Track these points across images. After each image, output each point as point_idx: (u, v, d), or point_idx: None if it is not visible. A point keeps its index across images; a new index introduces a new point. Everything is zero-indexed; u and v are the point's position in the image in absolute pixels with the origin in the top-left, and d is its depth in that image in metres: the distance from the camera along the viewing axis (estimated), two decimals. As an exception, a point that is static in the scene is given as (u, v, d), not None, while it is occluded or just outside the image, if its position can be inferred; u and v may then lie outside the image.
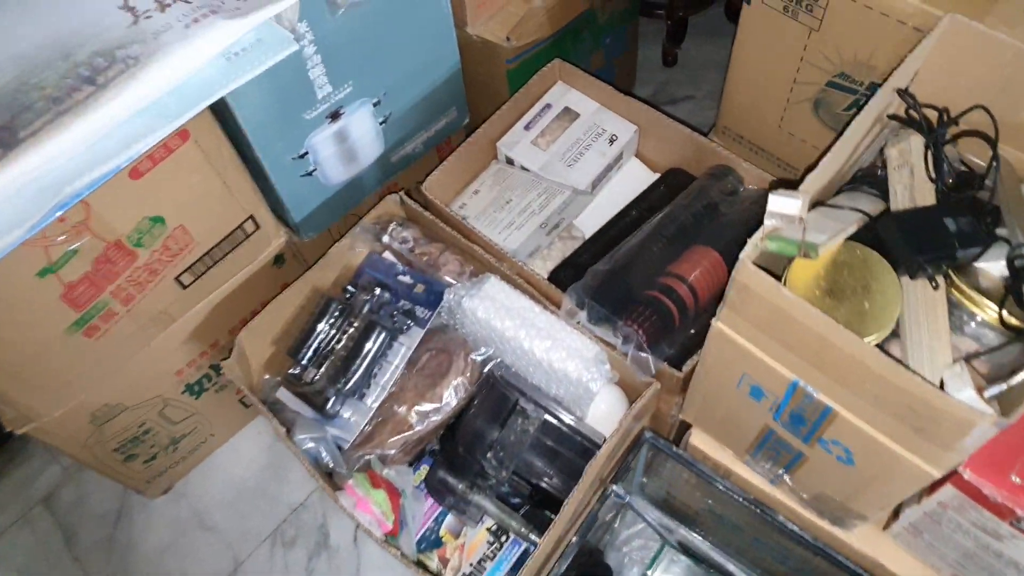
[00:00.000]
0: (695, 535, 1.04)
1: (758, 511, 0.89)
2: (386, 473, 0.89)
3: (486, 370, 0.93)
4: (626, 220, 1.05)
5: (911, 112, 0.72)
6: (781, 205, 0.59)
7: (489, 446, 0.89)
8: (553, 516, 0.89)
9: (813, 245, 0.60)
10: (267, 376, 1.06)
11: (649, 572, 1.08)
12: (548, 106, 1.13)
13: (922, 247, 0.63)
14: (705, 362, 0.78)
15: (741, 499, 0.90)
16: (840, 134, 0.66)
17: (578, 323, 0.92)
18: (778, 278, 0.65)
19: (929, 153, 0.70)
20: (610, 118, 1.12)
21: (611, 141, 1.09)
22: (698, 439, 0.92)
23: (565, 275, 0.99)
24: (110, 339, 0.95)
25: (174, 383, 1.12)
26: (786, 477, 0.83)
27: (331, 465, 0.92)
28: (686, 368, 0.88)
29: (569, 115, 1.12)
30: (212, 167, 0.90)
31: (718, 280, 0.93)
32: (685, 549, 1.10)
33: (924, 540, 0.78)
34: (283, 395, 1.02)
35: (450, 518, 0.94)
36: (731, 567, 1.03)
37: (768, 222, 0.61)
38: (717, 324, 0.71)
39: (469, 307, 0.94)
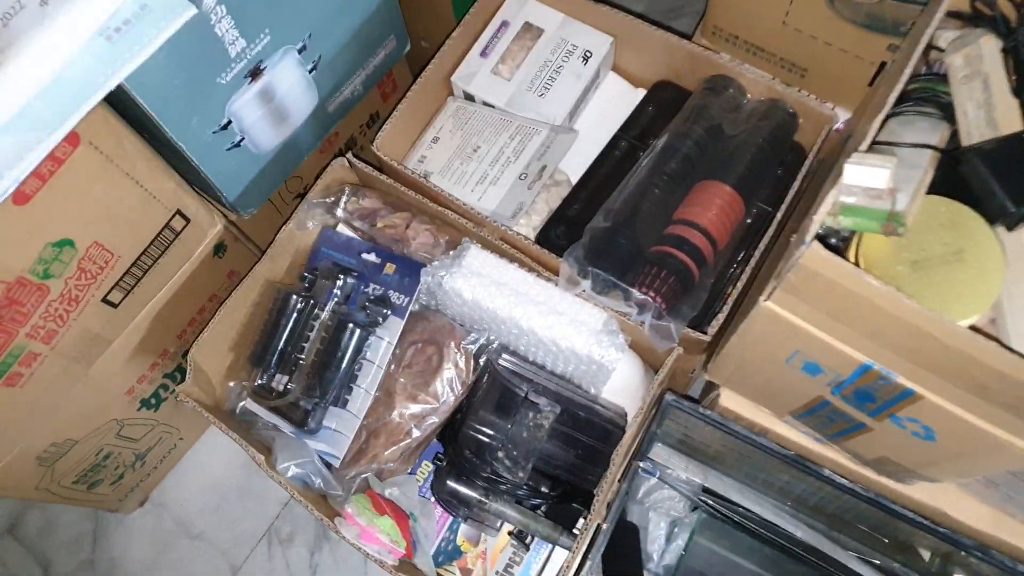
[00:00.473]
0: (725, 477, 0.96)
1: (803, 468, 0.81)
2: (389, 493, 0.79)
3: (483, 359, 0.81)
4: (616, 154, 0.91)
5: (981, 5, 0.58)
6: (865, 176, 0.46)
7: (500, 446, 0.78)
8: (579, 508, 0.80)
9: (901, 218, 0.47)
10: (231, 384, 0.93)
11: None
12: (505, 24, 0.96)
13: (1022, 190, 0.51)
14: (746, 337, 0.66)
15: (783, 457, 0.81)
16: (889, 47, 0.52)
17: (582, 293, 0.79)
18: (837, 251, 0.53)
19: (1009, 59, 0.56)
20: (580, 30, 0.95)
21: (584, 59, 0.93)
22: (729, 400, 0.83)
23: (556, 234, 0.86)
24: (38, 382, 0.81)
25: (126, 403, 0.98)
26: (839, 441, 0.74)
27: (324, 489, 0.81)
28: (712, 330, 0.77)
29: (531, 32, 0.95)
30: (117, 168, 0.74)
31: (735, 218, 0.81)
32: (712, 497, 1.02)
33: (1000, 492, 0.70)
34: (252, 406, 0.90)
35: (466, 525, 0.84)
36: (768, 513, 0.96)
37: (846, 198, 0.47)
38: (767, 305, 0.59)
39: (452, 287, 0.81)
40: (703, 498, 0.87)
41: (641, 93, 0.97)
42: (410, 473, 0.86)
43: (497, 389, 0.79)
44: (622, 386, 0.83)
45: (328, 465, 0.83)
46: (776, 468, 0.85)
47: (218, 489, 1.19)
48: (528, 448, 0.77)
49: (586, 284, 0.78)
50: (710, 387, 0.85)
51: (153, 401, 1.03)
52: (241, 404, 0.92)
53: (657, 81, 0.96)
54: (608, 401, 0.83)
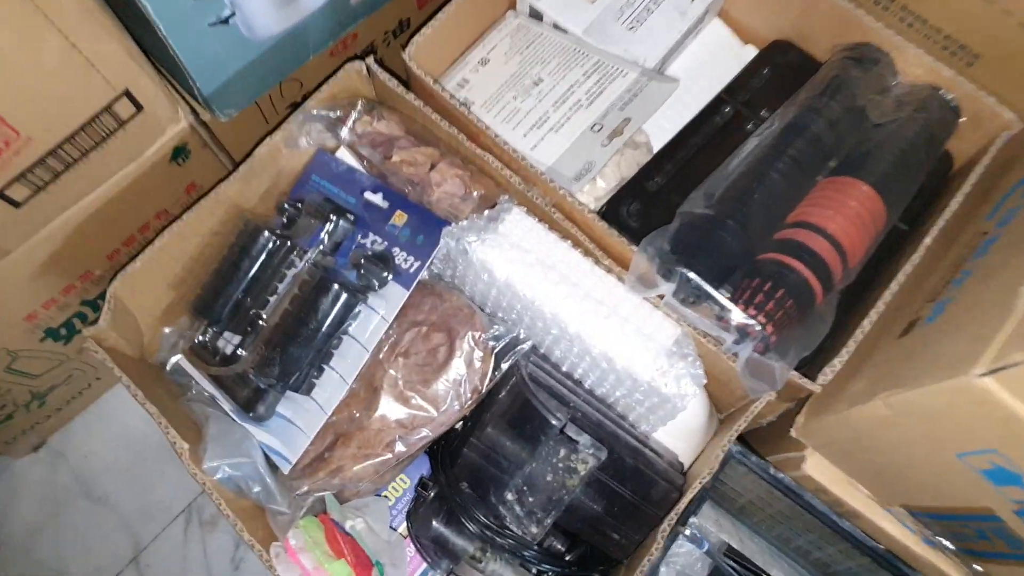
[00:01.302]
0: (755, 536, 0.77)
1: (892, 567, 0.61)
2: (351, 527, 0.57)
3: (507, 363, 0.60)
4: (717, 120, 0.69)
5: None
6: None
7: (512, 486, 0.57)
8: (599, 578, 0.60)
9: None
10: (167, 329, 0.71)
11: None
12: (596, -72, 0.73)
13: None
14: (906, 412, 0.46)
15: (871, 552, 0.62)
16: None
17: (656, 298, 0.58)
18: None
19: None
20: (691, -46, 0.73)
21: (693, -8, 0.71)
22: (816, 468, 0.63)
23: (628, 211, 0.65)
24: None
25: (24, 331, 0.76)
26: (981, 561, 0.55)
27: (262, 501, 0.59)
28: (825, 379, 0.57)
29: (629, -55, 0.73)
30: (41, 14, 0.50)
31: (874, 230, 0.60)
32: (736, 560, 0.83)
33: None
34: (187, 366, 0.68)
35: (445, 573, 0.63)
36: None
37: None
38: (984, 382, 0.38)
39: (481, 258, 0.60)
40: (727, 561, 0.68)
41: (751, 51, 0.76)
42: (377, 493, 0.65)
43: (521, 406, 0.58)
44: (681, 427, 0.63)
45: (274, 468, 0.62)
46: (825, 541, 0.66)
47: (134, 445, 0.97)
48: (551, 497, 0.57)
49: (666, 288, 0.57)
50: (777, 432, 0.65)
51: (64, 332, 0.81)
52: (173, 360, 0.70)
53: (775, 40, 0.75)
54: (661, 445, 0.63)
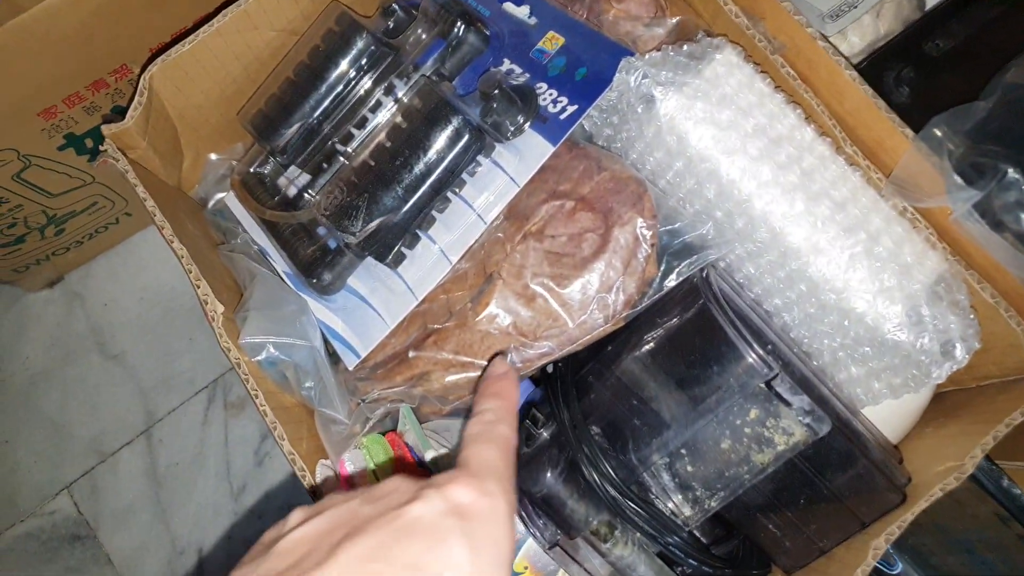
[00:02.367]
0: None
1: None
2: (431, 459, 0.40)
3: (676, 272, 0.41)
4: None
5: None
6: None
7: (669, 450, 0.39)
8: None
9: None
10: (213, 156, 0.54)
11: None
12: None
13: None
14: None
15: None
16: None
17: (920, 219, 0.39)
18: None
19: None
20: None
21: None
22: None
23: (899, 77, 0.44)
24: None
25: (39, 131, 0.59)
26: None
27: (314, 402, 0.42)
28: None
29: None
30: None
31: None
32: None
33: None
34: (234, 204, 0.51)
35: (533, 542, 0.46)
36: None
37: None
38: None
39: (670, 113, 0.41)
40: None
41: None
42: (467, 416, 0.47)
43: (699, 336, 0.39)
44: (896, 403, 0.44)
45: (335, 360, 0.45)
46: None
47: (162, 301, 0.81)
48: (724, 472, 0.39)
49: (961, 196, 0.37)
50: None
51: (89, 144, 0.64)
52: (218, 196, 0.54)
53: None
54: (872, 425, 0.44)
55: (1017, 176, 0.35)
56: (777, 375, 0.37)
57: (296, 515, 0.26)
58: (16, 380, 0.80)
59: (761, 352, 0.37)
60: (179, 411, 0.79)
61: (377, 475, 0.39)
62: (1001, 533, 0.49)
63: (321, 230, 0.46)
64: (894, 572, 0.46)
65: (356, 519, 0.25)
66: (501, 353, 0.41)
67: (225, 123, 0.52)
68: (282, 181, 0.48)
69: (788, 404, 0.37)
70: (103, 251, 0.82)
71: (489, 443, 0.29)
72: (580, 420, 0.41)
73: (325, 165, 0.46)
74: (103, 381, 0.80)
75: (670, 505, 0.40)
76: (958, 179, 0.36)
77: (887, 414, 0.46)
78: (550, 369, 0.43)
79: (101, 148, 0.43)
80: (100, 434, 0.79)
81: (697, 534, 0.45)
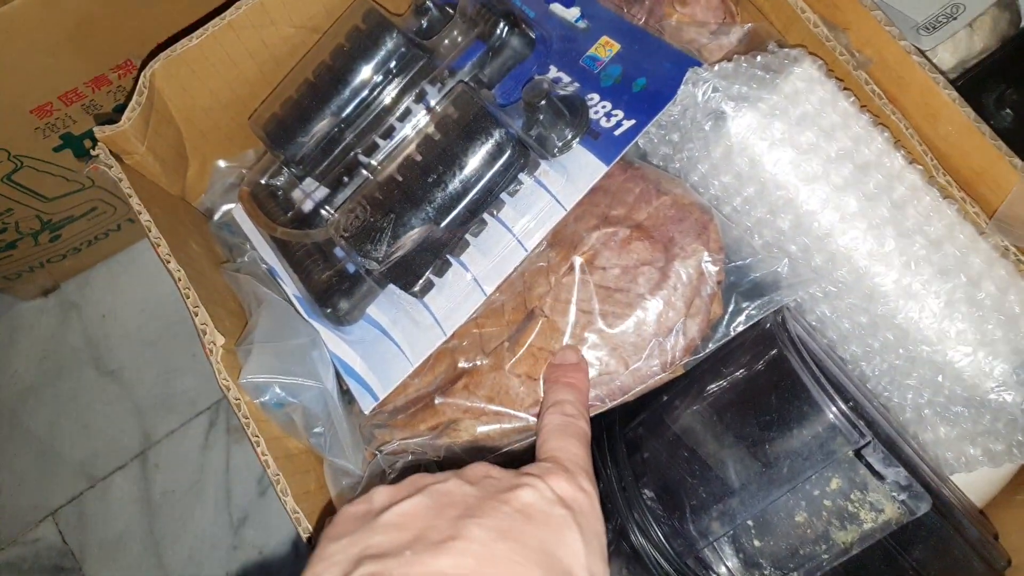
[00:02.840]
0: None
1: None
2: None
3: (750, 311, 0.35)
4: None
5: None
6: None
7: (729, 517, 0.34)
8: None
9: None
10: (222, 162, 0.49)
11: None
12: None
13: None
14: None
15: None
16: None
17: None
18: None
19: None
20: None
21: None
22: None
23: (1001, 99, 0.39)
24: None
25: (32, 129, 0.55)
26: None
27: (323, 451, 0.37)
28: None
29: None
30: None
31: None
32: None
33: None
34: (242, 218, 0.46)
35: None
36: None
37: None
38: None
39: (743, 133, 0.35)
40: None
41: None
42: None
43: (774, 390, 0.34)
44: (983, 476, 0.39)
45: (350, 400, 0.39)
46: None
47: (164, 315, 0.76)
48: (797, 550, 0.33)
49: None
50: None
51: (88, 145, 0.59)
52: (226, 208, 0.49)
53: None
54: (964, 496, 0.39)
55: None
56: (869, 443, 0.31)
57: (384, 492, 0.26)
58: (3, 395, 0.75)
59: (850, 415, 0.32)
60: (178, 434, 0.74)
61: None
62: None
63: (339, 252, 0.40)
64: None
65: (464, 500, 0.25)
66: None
67: (236, 128, 0.47)
68: (297, 195, 0.43)
69: (880, 477, 0.31)
70: (103, 259, 0.77)
71: (575, 438, 0.30)
72: (630, 481, 0.36)
73: (346, 179, 0.41)
74: (97, 398, 0.75)
75: (732, 584, 0.35)
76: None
77: (972, 478, 0.41)
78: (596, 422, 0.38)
79: (93, 152, 0.38)
80: (91, 456, 0.74)
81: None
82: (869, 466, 0.31)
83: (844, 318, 0.38)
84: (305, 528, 0.35)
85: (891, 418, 0.39)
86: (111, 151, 0.39)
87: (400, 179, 0.37)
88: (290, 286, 0.43)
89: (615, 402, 0.36)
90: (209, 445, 0.73)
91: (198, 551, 0.71)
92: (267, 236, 0.43)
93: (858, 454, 0.31)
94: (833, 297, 0.37)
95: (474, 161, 0.36)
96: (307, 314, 0.41)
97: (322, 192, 0.42)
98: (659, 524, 0.35)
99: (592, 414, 0.37)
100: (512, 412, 0.36)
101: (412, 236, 0.36)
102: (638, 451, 0.37)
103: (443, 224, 0.36)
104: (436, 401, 0.37)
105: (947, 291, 0.35)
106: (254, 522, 0.71)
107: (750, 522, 0.34)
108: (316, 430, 0.37)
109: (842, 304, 0.37)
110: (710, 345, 0.36)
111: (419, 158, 0.37)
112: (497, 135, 0.36)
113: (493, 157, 0.36)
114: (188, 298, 0.36)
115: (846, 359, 0.39)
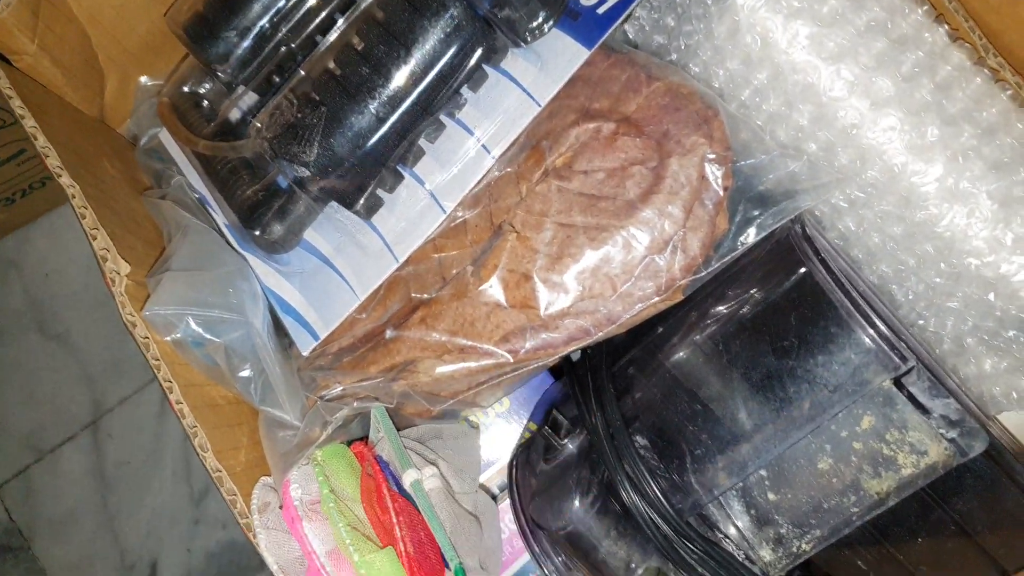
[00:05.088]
0: None
1: None
2: (411, 483, 0.29)
3: (761, 221, 0.29)
4: None
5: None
6: None
7: (738, 468, 0.28)
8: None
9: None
10: (144, 79, 0.43)
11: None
12: None
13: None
14: None
15: None
16: None
17: None
18: None
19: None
20: None
21: None
22: None
23: None
24: None
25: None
26: None
27: (253, 399, 0.31)
28: None
29: None
30: None
31: None
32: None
33: None
34: (165, 137, 0.40)
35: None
36: None
37: None
38: None
39: (749, 1, 0.29)
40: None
41: None
42: (467, 420, 0.36)
43: (793, 314, 0.28)
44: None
45: (285, 343, 0.33)
46: None
47: (114, 273, 0.70)
48: (822, 505, 0.28)
49: None
50: None
51: None
52: (153, 132, 0.42)
53: None
54: (1012, 436, 0.33)
55: None
56: (913, 368, 0.25)
57: None
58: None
59: (889, 335, 0.26)
60: (131, 401, 0.68)
61: (335, 501, 0.28)
62: None
63: (271, 165, 0.34)
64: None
65: None
66: (512, 331, 0.30)
67: (161, 37, 0.40)
68: (224, 104, 0.37)
69: (925, 412, 0.25)
70: (44, 212, 0.71)
71: None
72: (620, 427, 0.30)
73: (277, 79, 0.35)
74: (42, 365, 0.69)
75: (744, 547, 0.29)
76: None
77: (1019, 420, 0.35)
78: (578, 358, 0.32)
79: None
80: (38, 427, 0.68)
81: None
82: (912, 397, 0.26)
83: (873, 231, 0.32)
84: (228, 489, 0.29)
85: (931, 350, 0.33)
86: (-8, 48, 0.32)
87: (334, 68, 0.31)
88: (220, 215, 0.36)
89: (602, 333, 0.30)
90: (166, 412, 0.68)
91: (157, 526, 0.66)
92: (191, 154, 0.37)
93: (898, 383, 0.25)
94: (860, 205, 0.31)
95: (426, 43, 0.30)
96: (238, 244, 0.35)
97: (251, 98, 0.36)
98: (654, 477, 0.29)
99: (572, 349, 0.31)
100: (480, 346, 0.30)
101: (351, 136, 0.30)
102: (629, 392, 0.31)
103: (389, 122, 0.30)
104: (388, 336, 0.31)
105: (1002, 190, 0.29)
106: (216, 494, 0.65)
107: (763, 472, 0.29)
108: (242, 373, 0.31)
109: (870, 213, 0.31)
110: (714, 263, 0.30)
111: (357, 41, 0.31)
112: (454, 10, 0.30)
113: (449, 38, 0.30)
114: (84, 218, 0.30)
115: (874, 282, 0.33)
